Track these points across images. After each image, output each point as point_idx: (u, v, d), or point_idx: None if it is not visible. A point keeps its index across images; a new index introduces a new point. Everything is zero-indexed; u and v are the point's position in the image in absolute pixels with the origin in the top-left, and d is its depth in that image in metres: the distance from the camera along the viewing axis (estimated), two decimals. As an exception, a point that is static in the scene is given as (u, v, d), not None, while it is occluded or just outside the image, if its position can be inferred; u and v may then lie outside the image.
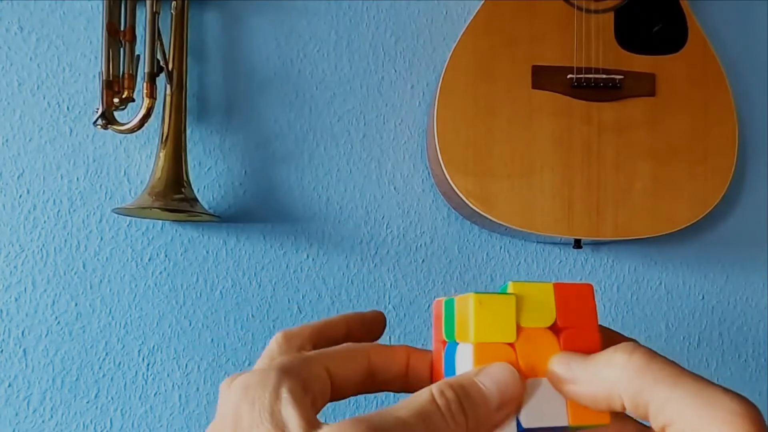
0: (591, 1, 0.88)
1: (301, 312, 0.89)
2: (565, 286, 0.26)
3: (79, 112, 0.88)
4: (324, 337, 0.28)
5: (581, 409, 0.24)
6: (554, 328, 0.25)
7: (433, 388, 0.23)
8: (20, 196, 0.86)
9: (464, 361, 0.25)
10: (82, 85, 0.88)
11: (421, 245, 0.92)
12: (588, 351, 0.25)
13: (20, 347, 0.84)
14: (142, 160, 0.88)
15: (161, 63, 0.83)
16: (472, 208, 0.83)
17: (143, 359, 0.86)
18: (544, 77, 0.86)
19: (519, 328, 0.25)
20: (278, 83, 0.92)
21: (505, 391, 0.24)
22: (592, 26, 0.87)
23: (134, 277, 0.87)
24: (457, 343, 0.26)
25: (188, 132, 0.87)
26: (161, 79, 0.83)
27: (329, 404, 0.25)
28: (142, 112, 0.80)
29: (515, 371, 0.24)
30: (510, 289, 0.26)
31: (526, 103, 0.85)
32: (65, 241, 0.86)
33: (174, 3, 0.85)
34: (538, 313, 0.25)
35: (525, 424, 0.24)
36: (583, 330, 0.25)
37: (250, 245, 0.89)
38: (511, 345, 0.25)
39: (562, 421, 0.24)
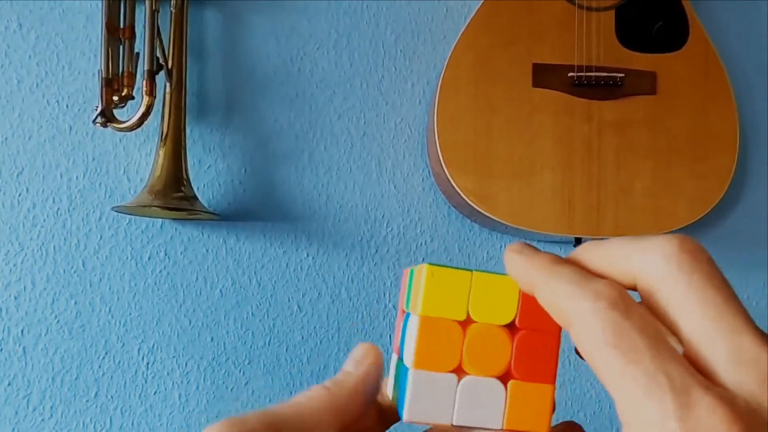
0: (592, -1, 0.88)
1: (300, 310, 0.89)
2: None
3: (79, 110, 0.88)
4: None
5: (519, 416, 0.23)
6: (511, 327, 0.24)
7: None
8: (20, 195, 0.86)
9: (411, 334, 0.24)
10: (81, 83, 0.88)
11: (421, 244, 0.92)
12: (543, 359, 0.24)
13: (20, 346, 0.84)
14: (141, 158, 0.88)
15: (161, 61, 0.83)
16: (472, 207, 0.83)
17: (143, 358, 0.86)
18: (544, 75, 0.86)
19: (470, 320, 0.24)
20: (278, 81, 0.92)
21: (361, 363, 0.25)
22: (593, 24, 0.87)
23: (134, 275, 0.86)
24: (410, 314, 0.26)
25: (188, 130, 0.87)
26: (161, 77, 0.83)
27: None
28: (142, 110, 0.80)
29: (376, 348, 0.24)
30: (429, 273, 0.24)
31: (526, 102, 0.85)
32: (65, 239, 0.86)
33: (173, 1, 0.85)
34: (497, 308, 0.24)
35: (455, 421, 0.23)
36: (544, 335, 0.24)
37: (250, 244, 0.89)
38: (460, 325, 0.24)
39: (496, 424, 0.23)
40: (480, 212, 0.83)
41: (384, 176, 0.92)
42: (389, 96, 0.94)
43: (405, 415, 0.23)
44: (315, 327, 0.89)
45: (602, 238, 0.85)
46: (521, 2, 0.87)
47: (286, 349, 0.88)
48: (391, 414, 0.27)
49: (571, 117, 0.85)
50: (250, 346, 0.88)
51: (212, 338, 0.87)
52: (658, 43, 0.88)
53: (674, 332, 0.20)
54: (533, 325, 0.24)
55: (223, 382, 0.87)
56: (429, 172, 0.93)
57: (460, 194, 0.83)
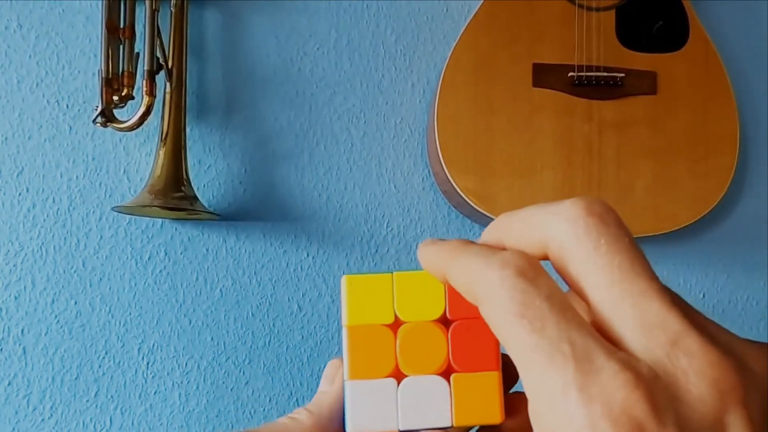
0: (592, -1, 0.88)
1: (301, 310, 0.89)
2: None
3: (79, 110, 0.87)
4: None
5: (468, 409, 0.22)
6: (443, 321, 0.24)
7: None
8: (19, 194, 0.86)
9: (343, 346, 0.24)
10: (81, 82, 0.88)
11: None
12: (483, 347, 0.23)
13: (20, 346, 0.84)
14: (141, 158, 0.88)
15: (161, 61, 0.82)
16: (472, 207, 0.83)
17: (143, 358, 0.86)
18: (544, 75, 0.86)
19: (399, 321, 0.23)
20: (278, 81, 0.92)
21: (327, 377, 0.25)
22: (593, 24, 0.87)
23: (134, 275, 0.86)
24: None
25: (188, 130, 0.87)
26: (161, 77, 0.83)
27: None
28: (142, 109, 0.80)
29: (335, 362, 0.25)
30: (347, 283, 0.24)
31: (526, 102, 0.85)
32: (65, 239, 0.86)
33: (173, 1, 0.85)
34: (425, 305, 0.23)
35: (402, 426, 0.23)
36: (479, 322, 0.22)
37: (250, 243, 0.89)
38: (390, 328, 0.23)
39: (445, 422, 0.22)
40: (480, 212, 0.83)
41: (384, 176, 0.92)
42: (389, 96, 0.93)
43: (349, 428, 0.23)
44: (315, 327, 0.89)
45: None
46: (521, 2, 0.87)
47: (286, 349, 0.88)
48: None
49: (571, 117, 0.85)
50: (250, 346, 0.88)
51: (212, 338, 0.87)
52: (658, 43, 0.88)
53: (584, 299, 0.19)
54: (465, 314, 0.23)
55: (223, 382, 0.87)
56: (429, 172, 0.93)
57: (460, 194, 0.83)
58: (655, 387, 0.17)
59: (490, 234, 0.23)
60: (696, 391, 0.17)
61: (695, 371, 0.17)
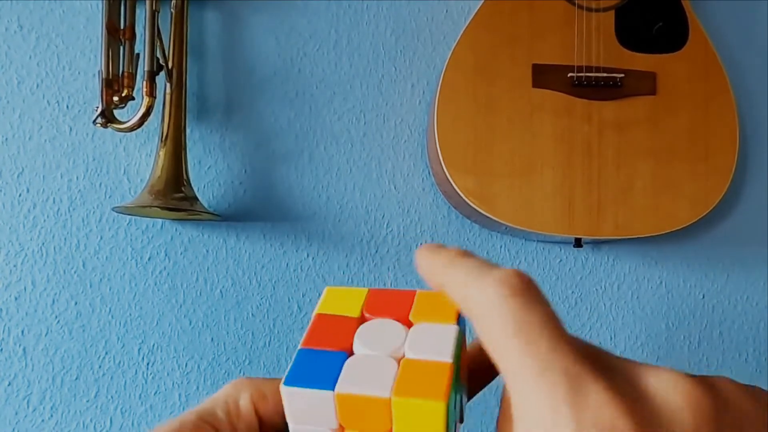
0: (592, -1, 0.88)
1: (301, 311, 0.89)
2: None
3: (79, 111, 0.88)
4: None
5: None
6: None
7: None
8: (20, 195, 0.86)
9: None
10: (81, 83, 0.88)
11: (421, 244, 0.92)
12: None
13: (20, 346, 0.84)
14: (141, 158, 0.88)
15: (161, 61, 0.83)
16: (472, 207, 0.83)
17: (143, 358, 0.86)
18: (544, 76, 0.86)
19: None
20: (278, 82, 0.92)
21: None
22: (593, 25, 0.87)
23: (134, 276, 0.86)
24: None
25: (188, 130, 0.87)
26: (161, 78, 0.83)
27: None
28: (142, 110, 0.80)
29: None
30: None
31: (526, 102, 0.85)
32: (65, 239, 0.86)
33: (174, 1, 0.85)
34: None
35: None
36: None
37: (250, 244, 0.89)
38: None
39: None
40: (480, 212, 0.83)
41: (384, 177, 0.92)
42: (389, 96, 0.94)
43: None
44: (315, 327, 0.89)
45: (602, 239, 0.85)
46: (521, 2, 0.87)
47: (286, 349, 0.88)
48: None
49: (571, 117, 0.85)
50: (250, 346, 0.88)
51: (212, 338, 0.87)
52: (658, 43, 0.88)
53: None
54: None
55: (223, 382, 0.86)
56: (429, 172, 0.93)
57: (459, 194, 0.83)
58: (638, 407, 0.18)
59: (430, 269, 0.23)
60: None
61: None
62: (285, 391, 0.22)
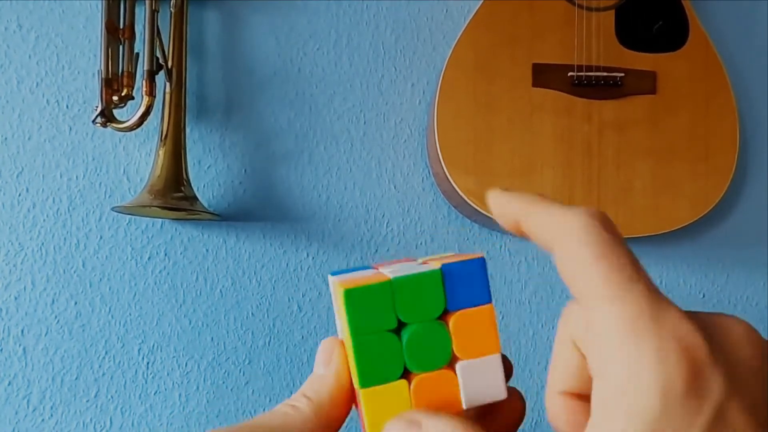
0: (592, -1, 0.88)
1: (300, 310, 0.89)
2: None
3: (79, 110, 0.87)
4: None
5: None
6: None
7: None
8: (19, 195, 0.86)
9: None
10: (81, 83, 0.88)
11: (421, 244, 0.92)
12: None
13: (20, 346, 0.84)
14: (141, 158, 0.88)
15: (160, 61, 0.82)
16: (472, 207, 0.83)
17: (143, 358, 0.86)
18: (544, 75, 0.86)
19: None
20: (278, 81, 0.92)
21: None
22: (593, 24, 0.87)
23: (134, 275, 0.86)
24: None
25: (188, 130, 0.87)
26: (160, 77, 0.83)
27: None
28: (142, 110, 0.80)
29: (330, 341, 0.25)
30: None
31: (526, 102, 0.85)
32: (65, 239, 0.86)
33: (173, 1, 0.85)
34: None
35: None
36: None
37: (250, 244, 0.89)
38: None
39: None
40: (480, 212, 0.83)
41: (384, 176, 0.92)
42: (389, 96, 0.93)
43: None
44: (315, 327, 0.89)
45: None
46: (521, 2, 0.87)
47: (286, 349, 0.88)
48: None
49: (571, 117, 0.85)
50: (250, 346, 0.88)
51: (212, 338, 0.87)
52: (658, 43, 0.88)
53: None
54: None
55: (223, 382, 0.87)
56: (429, 172, 0.93)
57: (460, 194, 0.83)
58: (710, 335, 0.19)
59: (509, 206, 0.25)
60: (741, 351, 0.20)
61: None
62: None
